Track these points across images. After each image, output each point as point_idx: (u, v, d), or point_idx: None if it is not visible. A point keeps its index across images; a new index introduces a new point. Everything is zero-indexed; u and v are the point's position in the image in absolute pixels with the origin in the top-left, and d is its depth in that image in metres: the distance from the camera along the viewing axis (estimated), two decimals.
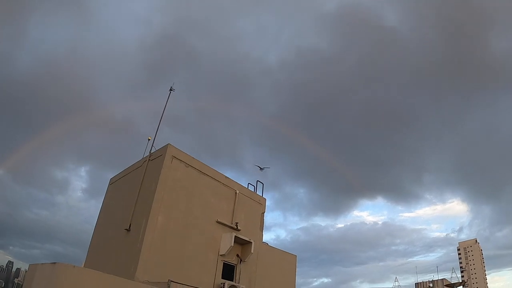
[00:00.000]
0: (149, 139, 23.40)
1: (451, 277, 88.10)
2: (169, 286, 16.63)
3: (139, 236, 19.29)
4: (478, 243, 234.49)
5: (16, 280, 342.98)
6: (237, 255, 22.99)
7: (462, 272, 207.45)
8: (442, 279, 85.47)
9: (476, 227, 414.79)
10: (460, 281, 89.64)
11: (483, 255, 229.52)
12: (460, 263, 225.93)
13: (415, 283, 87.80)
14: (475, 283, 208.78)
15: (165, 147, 21.37)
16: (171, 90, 25.67)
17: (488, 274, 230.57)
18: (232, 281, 22.19)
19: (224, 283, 21.09)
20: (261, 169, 26.68)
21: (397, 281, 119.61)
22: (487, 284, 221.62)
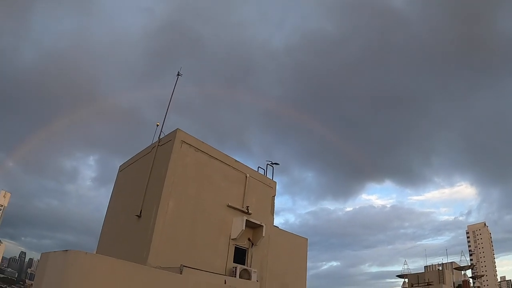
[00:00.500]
0: (157, 125, 23.24)
1: (460, 261, 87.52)
2: (181, 271, 16.59)
3: (150, 222, 19.29)
4: (487, 226, 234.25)
5: (29, 270, 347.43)
6: (249, 239, 22.98)
7: (471, 255, 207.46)
8: (451, 262, 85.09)
9: (484, 211, 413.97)
10: (469, 264, 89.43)
11: (491, 239, 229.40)
12: (469, 246, 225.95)
13: (424, 266, 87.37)
14: (483, 266, 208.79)
15: (174, 132, 21.24)
16: (178, 75, 25.41)
17: (496, 258, 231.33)
18: (244, 265, 22.20)
19: (236, 267, 21.06)
20: (272, 165, 26.47)
21: (406, 264, 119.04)
22: (496, 268, 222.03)
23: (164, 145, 21.90)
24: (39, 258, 14.21)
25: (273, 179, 26.18)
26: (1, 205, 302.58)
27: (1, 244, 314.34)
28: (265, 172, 25.99)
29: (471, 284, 77.67)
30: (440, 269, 75.14)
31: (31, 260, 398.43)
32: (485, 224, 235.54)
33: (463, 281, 75.37)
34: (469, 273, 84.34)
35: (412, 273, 75.43)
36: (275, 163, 26.55)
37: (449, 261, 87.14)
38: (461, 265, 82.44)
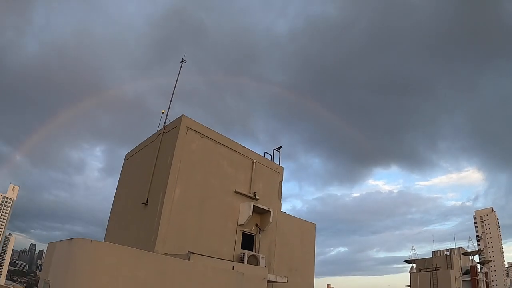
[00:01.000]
0: (162, 112, 23.07)
1: (468, 246, 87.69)
2: (189, 258, 16.52)
3: (157, 209, 19.23)
4: (494, 212, 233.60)
5: (39, 262, 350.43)
6: (256, 225, 22.89)
7: (478, 241, 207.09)
8: (459, 247, 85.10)
9: (492, 196, 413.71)
10: (477, 249, 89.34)
11: (499, 224, 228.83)
12: (476, 232, 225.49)
13: (432, 252, 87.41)
14: (491, 251, 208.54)
15: (179, 119, 21.05)
16: (182, 61, 25.15)
17: (504, 243, 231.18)
18: (252, 250, 22.16)
19: (244, 253, 21.01)
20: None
21: (414, 249, 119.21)
22: (503, 253, 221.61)
23: (169, 132, 21.75)
24: None
25: (280, 165, 26.02)
26: (10, 199, 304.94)
27: (11, 237, 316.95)
28: (272, 157, 25.82)
29: (479, 270, 77.76)
30: (448, 254, 75.23)
31: (41, 252, 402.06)
32: (492, 209, 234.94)
33: (470, 266, 75.54)
34: (476, 258, 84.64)
35: (419, 258, 75.47)
36: (279, 147, 26.38)
37: (456, 246, 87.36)
38: (469, 251, 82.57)
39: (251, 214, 21.71)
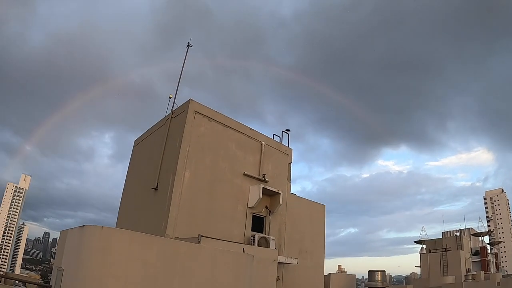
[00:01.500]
0: (170, 97, 23.04)
1: (478, 227, 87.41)
2: (199, 241, 16.57)
3: (167, 193, 19.31)
4: (505, 192, 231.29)
5: (53, 250, 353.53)
6: (266, 207, 22.96)
7: (488, 221, 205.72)
8: (469, 228, 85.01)
9: (502, 176, 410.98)
10: (487, 230, 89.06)
11: (509, 205, 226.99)
12: (486, 212, 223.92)
13: (442, 232, 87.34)
14: (501, 232, 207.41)
15: (187, 103, 21.01)
16: (188, 45, 25.03)
17: None
18: (262, 233, 22.27)
19: (254, 235, 21.12)
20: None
21: (424, 230, 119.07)
22: None
23: (177, 116, 21.74)
24: None
25: (289, 147, 25.97)
26: (22, 189, 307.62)
27: (25, 226, 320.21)
28: (281, 139, 25.72)
29: (489, 251, 77.64)
30: (458, 235, 75.10)
31: (54, 240, 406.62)
32: (502, 190, 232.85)
33: (480, 247, 75.46)
34: (486, 239, 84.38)
35: (429, 239, 75.40)
36: (287, 130, 26.27)
37: (466, 227, 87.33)
38: (479, 231, 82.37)
39: (260, 196, 21.77)
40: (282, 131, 26.07)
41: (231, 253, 15.59)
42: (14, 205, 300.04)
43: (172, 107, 22.54)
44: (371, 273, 27.02)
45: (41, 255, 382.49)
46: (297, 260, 22.23)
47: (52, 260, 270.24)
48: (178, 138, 20.29)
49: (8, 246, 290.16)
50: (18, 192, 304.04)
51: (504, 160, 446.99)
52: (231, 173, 21.74)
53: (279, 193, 22.87)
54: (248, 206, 22.02)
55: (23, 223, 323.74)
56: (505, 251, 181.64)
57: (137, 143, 27.45)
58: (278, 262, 20.20)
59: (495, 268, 75.30)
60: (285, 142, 25.79)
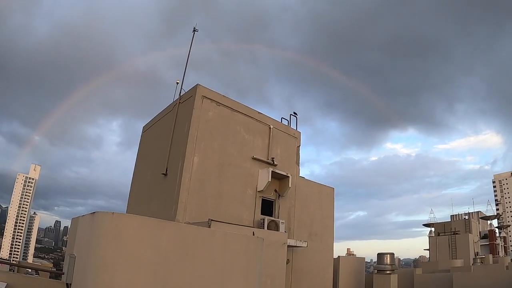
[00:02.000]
0: (177, 83, 23.04)
1: (486, 210, 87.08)
2: (209, 225, 16.65)
3: (176, 179, 19.41)
4: None
5: (64, 238, 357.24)
6: (275, 190, 23.01)
7: (497, 205, 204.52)
8: (477, 211, 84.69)
9: (510, 159, 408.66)
10: (495, 214, 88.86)
11: None
12: (495, 196, 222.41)
13: (450, 215, 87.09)
14: (510, 216, 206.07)
15: (195, 88, 20.97)
16: (194, 31, 24.93)
17: None
18: (272, 216, 22.34)
19: (263, 219, 21.21)
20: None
21: (433, 213, 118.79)
22: None
23: (185, 101, 21.74)
24: None
25: (297, 130, 25.91)
26: (33, 179, 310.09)
27: (36, 216, 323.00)
28: (289, 123, 25.63)
29: (497, 234, 77.54)
30: (466, 218, 75.03)
31: (66, 228, 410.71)
32: (511, 173, 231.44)
33: (489, 230, 75.37)
34: (495, 223, 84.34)
35: (438, 222, 75.36)
36: (295, 113, 26.18)
37: (475, 210, 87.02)
38: (487, 215, 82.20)
39: (269, 180, 21.78)
40: (290, 114, 25.98)
41: (242, 236, 15.61)
42: (25, 195, 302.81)
43: (180, 93, 22.56)
44: (380, 255, 27.03)
45: (53, 244, 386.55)
46: (306, 243, 22.34)
47: (64, 248, 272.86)
48: (186, 123, 20.32)
49: (20, 236, 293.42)
50: (29, 182, 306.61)
51: None
52: (240, 157, 21.77)
53: (288, 176, 22.88)
54: (257, 189, 22.07)
55: (34, 212, 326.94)
56: None
57: (145, 129, 27.52)
58: (287, 245, 20.29)
59: (503, 252, 75.31)
60: (293, 126, 25.73)
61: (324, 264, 25.28)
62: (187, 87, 22.18)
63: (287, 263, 20.27)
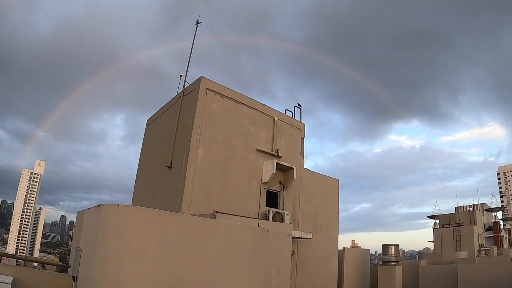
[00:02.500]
0: (181, 76, 22.99)
1: (491, 202, 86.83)
2: (214, 217, 16.68)
3: (181, 171, 19.45)
4: None
5: (70, 232, 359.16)
6: (280, 182, 22.99)
7: (501, 197, 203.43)
8: (482, 203, 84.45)
9: None
10: (500, 206, 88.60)
11: None
12: (500, 188, 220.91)
13: (455, 207, 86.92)
14: None
15: (198, 80, 20.95)
16: (197, 23, 24.83)
17: None
18: (276, 208, 22.35)
19: (268, 211, 21.20)
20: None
21: (437, 205, 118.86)
22: None
23: (189, 94, 21.73)
24: None
25: (301, 122, 25.87)
26: (38, 174, 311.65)
27: (42, 211, 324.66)
28: (293, 114, 25.58)
29: (502, 226, 77.39)
30: (471, 210, 74.87)
31: (71, 222, 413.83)
32: None
33: (493, 222, 75.20)
34: (499, 215, 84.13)
35: (443, 214, 75.28)
36: (298, 105, 26.14)
37: (479, 202, 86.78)
38: (492, 207, 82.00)
39: (274, 171, 21.78)
40: (294, 106, 25.91)
41: (247, 227, 15.62)
42: (31, 190, 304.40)
43: (184, 85, 22.52)
44: (385, 247, 26.96)
45: (59, 238, 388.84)
46: (311, 234, 22.35)
47: (70, 242, 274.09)
48: (190, 116, 20.33)
49: (27, 231, 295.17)
50: (34, 177, 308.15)
51: None
52: (244, 149, 21.77)
53: (293, 168, 22.86)
54: (262, 181, 22.06)
55: (40, 207, 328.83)
56: None
57: (149, 122, 27.55)
58: (292, 237, 20.37)
59: (508, 244, 75.14)
60: (297, 117, 25.66)
61: (329, 255, 25.30)
62: (190, 80, 22.17)
63: (292, 255, 20.31)
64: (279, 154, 23.00)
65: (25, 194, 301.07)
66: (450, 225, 64.04)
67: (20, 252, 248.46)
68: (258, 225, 18.14)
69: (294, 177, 22.92)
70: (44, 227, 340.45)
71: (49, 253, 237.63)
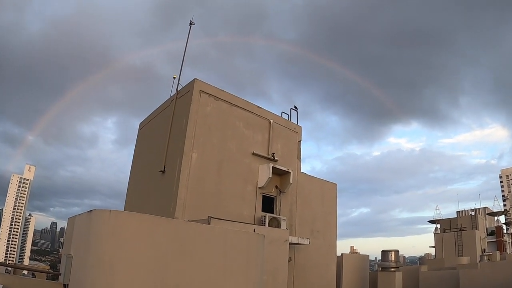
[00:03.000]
0: (174, 78, 22.61)
1: (493, 206, 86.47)
2: (209, 223, 16.23)
3: (174, 176, 19.04)
4: None
5: (61, 240, 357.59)
6: (276, 187, 22.57)
7: (504, 200, 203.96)
8: (484, 207, 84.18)
9: None
10: (502, 210, 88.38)
11: None
12: (502, 191, 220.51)
13: (456, 212, 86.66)
14: None
15: (192, 82, 20.54)
16: (191, 24, 24.44)
17: None
18: (273, 213, 21.92)
19: (264, 216, 20.80)
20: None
21: (438, 209, 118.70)
22: None
23: (182, 97, 21.32)
24: None
25: (298, 124, 25.47)
26: (27, 179, 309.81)
27: (32, 217, 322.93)
28: (289, 117, 25.19)
29: (505, 231, 77.15)
30: (473, 214, 74.56)
31: (62, 229, 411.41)
32: None
33: (496, 227, 74.94)
34: (502, 219, 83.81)
35: (444, 218, 74.96)
36: (295, 107, 25.81)
37: (481, 206, 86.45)
38: (494, 211, 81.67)
39: (270, 175, 21.33)
40: (291, 108, 25.58)
41: (242, 232, 15.25)
42: (20, 196, 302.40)
43: (177, 88, 22.13)
44: (385, 252, 26.59)
45: (49, 246, 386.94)
46: (308, 240, 21.95)
47: (60, 249, 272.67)
48: (184, 119, 19.91)
49: (16, 238, 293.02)
50: (23, 183, 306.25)
51: None
52: (239, 153, 21.34)
53: (289, 172, 22.43)
54: (258, 186, 21.64)
55: (30, 214, 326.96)
56: None
57: (142, 126, 27.15)
58: (289, 243, 19.95)
59: (511, 249, 74.90)
60: (293, 120, 25.30)
61: (327, 261, 24.91)
62: (184, 82, 21.81)
63: (289, 261, 19.88)
64: (275, 158, 22.58)
65: (14, 200, 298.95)
66: (452, 229, 63.77)
67: (9, 260, 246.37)
68: (254, 231, 17.67)
69: (291, 182, 22.49)
70: (34, 234, 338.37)
71: (39, 260, 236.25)
